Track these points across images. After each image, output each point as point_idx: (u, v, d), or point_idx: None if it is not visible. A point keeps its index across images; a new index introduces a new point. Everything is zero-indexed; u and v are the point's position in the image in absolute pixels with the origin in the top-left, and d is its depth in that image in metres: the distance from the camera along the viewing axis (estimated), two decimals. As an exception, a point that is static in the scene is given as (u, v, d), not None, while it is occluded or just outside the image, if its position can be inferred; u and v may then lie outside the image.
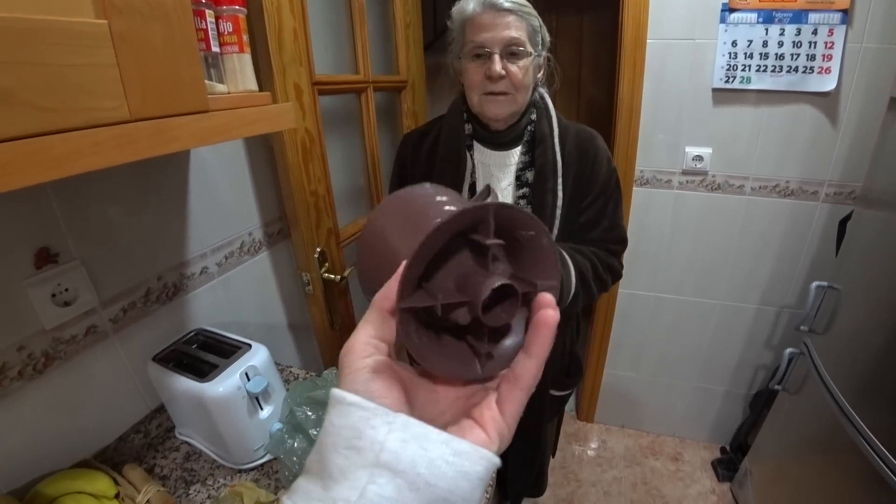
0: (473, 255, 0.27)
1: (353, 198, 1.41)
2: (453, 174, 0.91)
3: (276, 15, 0.89)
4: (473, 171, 0.92)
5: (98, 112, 0.43)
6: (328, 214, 1.11)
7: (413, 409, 0.26)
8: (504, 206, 0.25)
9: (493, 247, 0.25)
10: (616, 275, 0.97)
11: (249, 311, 1.07)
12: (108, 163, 0.45)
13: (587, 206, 0.92)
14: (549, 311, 0.25)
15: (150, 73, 0.47)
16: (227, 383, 0.70)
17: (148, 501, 0.68)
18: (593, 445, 1.96)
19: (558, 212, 0.89)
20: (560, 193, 0.89)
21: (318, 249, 1.08)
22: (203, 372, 0.73)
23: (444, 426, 0.25)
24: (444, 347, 0.27)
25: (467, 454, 0.23)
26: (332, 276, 1.13)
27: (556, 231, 0.90)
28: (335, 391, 0.24)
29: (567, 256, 0.84)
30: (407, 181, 0.99)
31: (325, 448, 0.23)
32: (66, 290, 0.72)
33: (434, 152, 0.94)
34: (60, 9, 0.41)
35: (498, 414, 0.26)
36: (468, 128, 0.93)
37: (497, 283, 0.24)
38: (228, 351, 0.77)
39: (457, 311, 0.26)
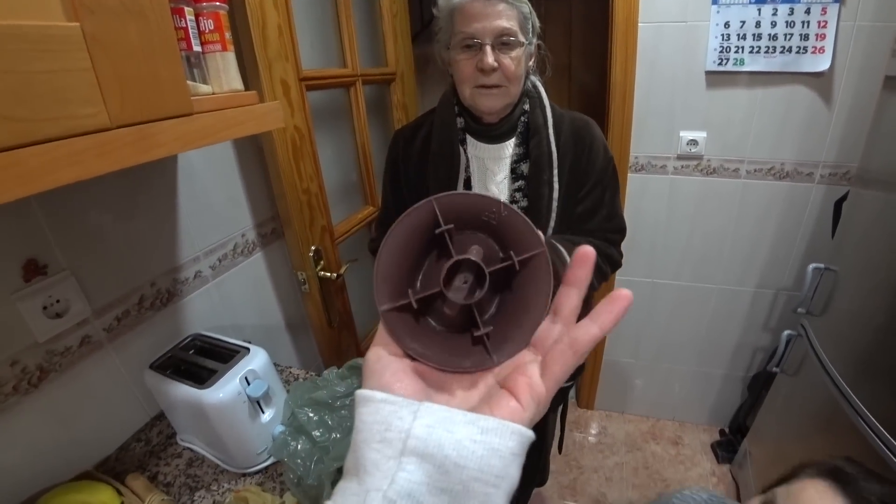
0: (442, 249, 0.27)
1: (346, 194, 1.38)
2: (447, 169, 0.89)
3: (259, 10, 0.86)
4: (468, 166, 0.90)
5: (75, 120, 0.41)
6: (321, 212, 1.09)
7: (442, 393, 0.26)
8: (445, 195, 0.26)
9: (452, 233, 0.26)
10: (615, 264, 0.96)
11: (246, 313, 1.06)
12: (88, 174, 0.43)
13: (584, 196, 0.90)
14: (624, 291, 0.25)
15: (128, 76, 0.45)
16: (226, 389, 0.69)
17: (151, 511, 0.67)
18: (594, 432, 1.97)
19: (555, 203, 0.87)
20: (556, 185, 0.87)
21: (313, 248, 1.06)
22: (202, 378, 0.71)
23: (478, 403, 0.25)
24: (447, 343, 0.28)
25: (495, 430, 0.22)
26: (328, 274, 1.11)
27: (552, 222, 0.88)
28: (361, 392, 0.25)
29: (563, 249, 0.82)
30: (400, 178, 0.97)
31: (358, 446, 0.23)
32: (58, 301, 0.70)
33: (427, 148, 0.92)
34: (26, 12, 0.38)
35: (537, 378, 0.25)
36: (460, 121, 0.90)
37: (449, 263, 0.25)
38: (227, 355, 0.76)
39: (441, 303, 0.27)
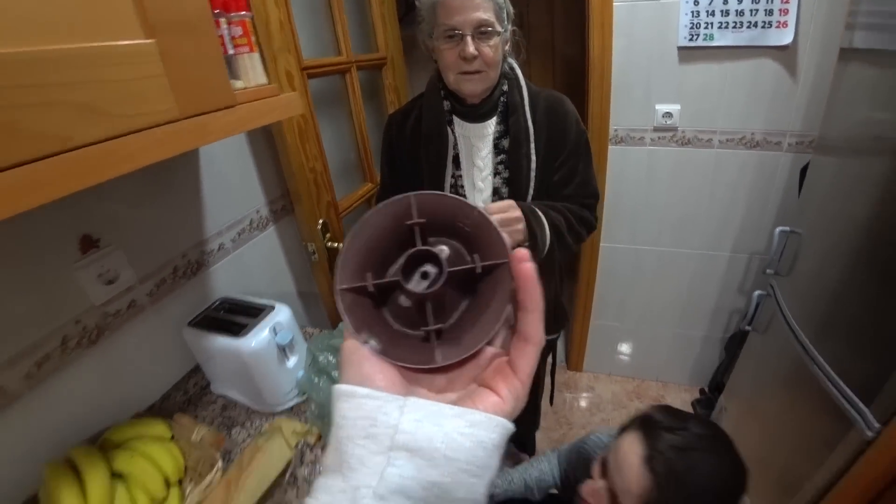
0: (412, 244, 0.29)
1: (346, 172, 1.54)
2: (437, 149, 1.04)
3: (262, 8, 1.00)
4: (456, 144, 1.05)
5: (155, 115, 0.56)
6: (326, 189, 1.25)
7: (419, 388, 0.28)
8: (425, 192, 0.27)
9: (420, 227, 0.28)
10: (590, 226, 1.12)
11: (262, 282, 1.22)
12: (164, 155, 0.58)
13: (560, 166, 1.06)
14: (524, 265, 0.27)
15: (189, 79, 0.60)
16: (259, 338, 0.86)
17: (202, 439, 0.84)
18: (583, 393, 2.18)
19: (533, 173, 1.03)
20: (533, 157, 1.02)
21: (321, 221, 1.22)
22: (235, 331, 0.88)
23: (456, 400, 0.27)
24: (401, 338, 0.29)
25: (482, 424, 0.24)
26: (335, 245, 1.27)
27: (532, 190, 1.04)
28: (341, 387, 0.26)
29: (541, 213, 0.99)
30: (395, 160, 1.12)
31: (341, 442, 0.24)
32: (109, 270, 0.86)
33: (418, 130, 1.06)
34: (117, 33, 0.53)
35: (510, 374, 0.27)
36: (447, 104, 1.05)
37: (410, 251, 0.27)
38: (254, 312, 0.92)
39: (398, 295, 0.29)
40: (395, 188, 1.15)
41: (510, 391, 0.26)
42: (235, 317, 0.92)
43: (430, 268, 0.28)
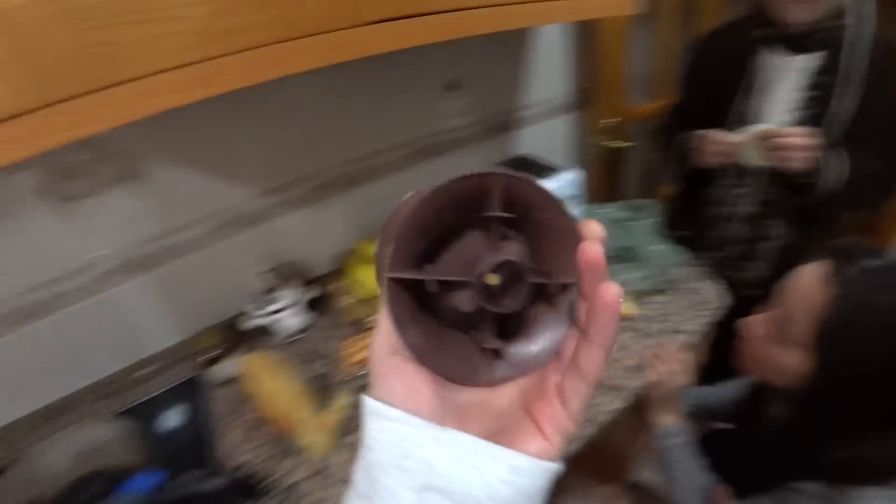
0: (483, 235, 0.26)
1: (642, 84, 1.73)
2: (736, 76, 1.09)
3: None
4: (756, 75, 1.08)
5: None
6: (622, 93, 1.52)
7: (456, 402, 0.26)
8: (517, 177, 0.24)
9: (500, 223, 0.25)
10: (886, 193, 1.08)
11: (551, 157, 1.51)
12: (533, 23, 0.92)
13: (879, 118, 1.00)
14: (611, 289, 0.23)
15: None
16: (550, 184, 1.21)
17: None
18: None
19: (843, 118, 1.00)
20: (852, 101, 0.99)
21: (610, 120, 1.50)
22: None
23: (497, 419, 0.26)
24: (448, 343, 0.27)
25: (527, 471, 0.23)
26: (619, 145, 1.55)
27: (838, 134, 1.02)
28: (371, 402, 0.25)
29: (846, 154, 0.99)
30: (695, 80, 1.24)
31: (372, 466, 0.23)
32: (459, 108, 1.31)
33: (724, 54, 1.13)
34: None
35: (561, 411, 0.25)
36: (761, 32, 1.05)
37: (499, 259, 0.24)
38: (549, 170, 1.24)
39: (458, 295, 0.26)
40: (688, 108, 1.29)
41: (559, 432, 0.25)
42: (532, 169, 1.29)
43: (501, 272, 0.25)
